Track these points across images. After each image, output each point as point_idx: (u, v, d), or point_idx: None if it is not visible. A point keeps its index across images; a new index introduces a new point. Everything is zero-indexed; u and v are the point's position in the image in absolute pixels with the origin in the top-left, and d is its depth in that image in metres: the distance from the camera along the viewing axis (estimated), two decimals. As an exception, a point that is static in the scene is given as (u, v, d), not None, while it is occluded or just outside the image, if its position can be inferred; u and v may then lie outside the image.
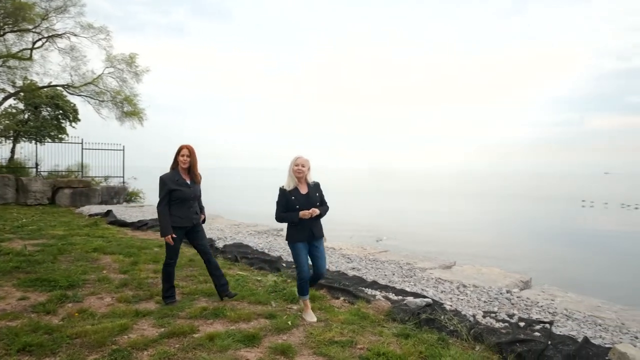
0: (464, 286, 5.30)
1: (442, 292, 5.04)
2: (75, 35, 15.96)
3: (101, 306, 4.20)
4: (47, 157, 16.38)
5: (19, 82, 15.93)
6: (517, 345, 3.34)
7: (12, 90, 15.88)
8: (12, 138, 16.36)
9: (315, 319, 3.92)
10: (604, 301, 5.02)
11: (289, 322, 3.80)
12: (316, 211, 3.84)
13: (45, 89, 16.51)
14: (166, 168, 4.28)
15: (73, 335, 3.37)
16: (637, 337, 3.74)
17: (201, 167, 4.35)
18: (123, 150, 17.31)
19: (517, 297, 4.90)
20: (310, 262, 4.05)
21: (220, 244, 7.67)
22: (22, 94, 16.09)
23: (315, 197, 3.94)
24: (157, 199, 4.17)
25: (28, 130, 16.15)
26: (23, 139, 16.50)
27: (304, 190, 3.94)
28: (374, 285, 5.17)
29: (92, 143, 16.65)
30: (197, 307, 4.16)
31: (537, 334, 3.66)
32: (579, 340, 3.48)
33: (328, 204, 4.11)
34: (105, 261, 6.16)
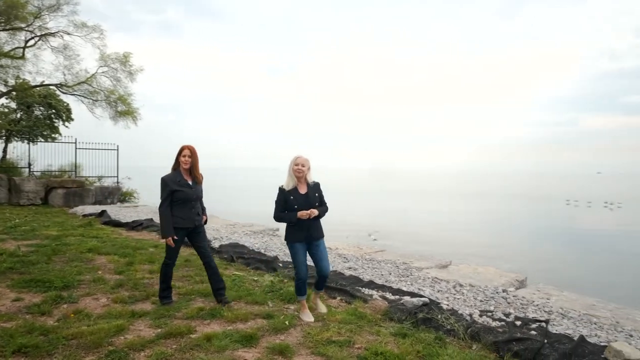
0: (461, 285, 5.32)
1: (438, 291, 5.05)
2: (69, 34, 15.82)
3: (97, 307, 4.17)
4: (40, 156, 16.25)
5: (11, 81, 15.75)
6: (513, 344, 3.36)
7: (4, 89, 15.70)
8: (4, 137, 16.19)
9: (312, 319, 3.92)
10: (598, 300, 5.07)
11: (287, 322, 3.80)
12: (315, 212, 3.83)
13: (37, 88, 16.34)
14: (164, 167, 4.26)
15: (69, 336, 3.35)
16: (632, 335, 3.78)
17: (203, 168, 4.32)
18: (117, 150, 17.19)
19: (513, 296, 4.92)
20: (313, 263, 4.04)
21: (216, 244, 7.65)
22: (14, 93, 15.92)
23: (314, 198, 3.93)
24: (154, 199, 4.15)
25: (20, 129, 16.01)
26: (15, 138, 16.35)
27: (303, 190, 3.93)
28: (371, 284, 5.18)
29: (86, 143, 16.51)
30: (194, 307, 4.14)
31: (533, 332, 3.68)
32: (575, 338, 3.51)
33: (328, 204, 4.10)
34: (100, 262, 6.12)
